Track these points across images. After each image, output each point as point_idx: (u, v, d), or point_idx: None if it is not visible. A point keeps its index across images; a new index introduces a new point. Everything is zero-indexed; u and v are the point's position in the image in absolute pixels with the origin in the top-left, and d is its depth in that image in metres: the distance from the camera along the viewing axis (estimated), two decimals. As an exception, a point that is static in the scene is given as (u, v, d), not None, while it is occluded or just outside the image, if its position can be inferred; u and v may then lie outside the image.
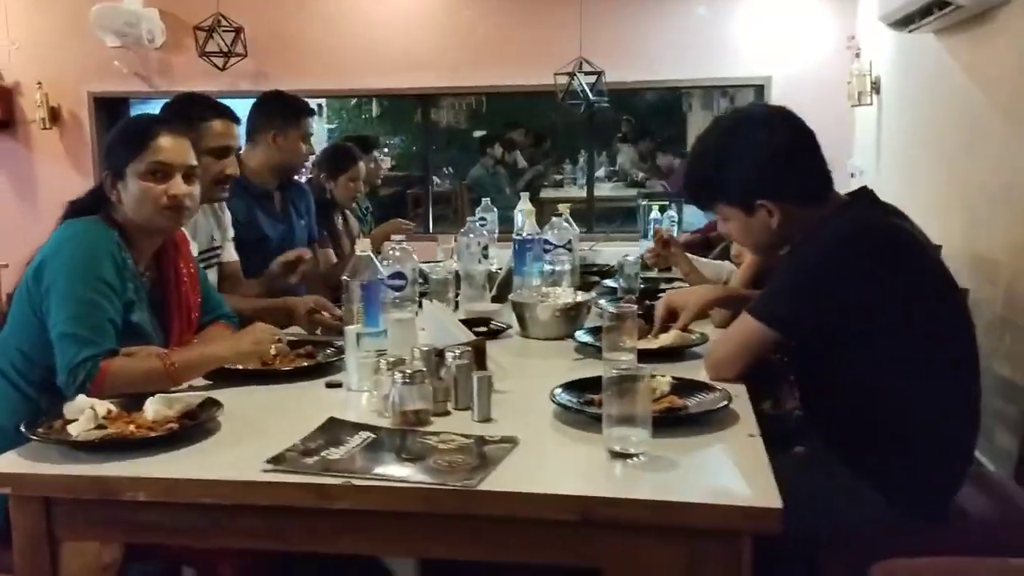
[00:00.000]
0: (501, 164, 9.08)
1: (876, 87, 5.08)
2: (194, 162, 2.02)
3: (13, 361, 1.86)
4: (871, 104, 5.12)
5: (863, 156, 5.40)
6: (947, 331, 1.84)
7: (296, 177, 3.45)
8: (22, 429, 1.56)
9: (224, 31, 5.70)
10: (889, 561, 1.72)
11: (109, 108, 6.38)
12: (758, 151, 1.85)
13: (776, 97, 5.74)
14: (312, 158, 3.78)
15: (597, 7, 5.69)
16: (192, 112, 2.52)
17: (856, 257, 1.78)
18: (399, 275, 2.09)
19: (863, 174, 5.35)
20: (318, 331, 2.40)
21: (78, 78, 6.22)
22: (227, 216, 2.82)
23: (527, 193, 3.50)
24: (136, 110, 6.62)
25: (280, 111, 3.17)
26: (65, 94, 6.26)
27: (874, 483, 1.81)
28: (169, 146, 1.96)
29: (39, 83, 6.15)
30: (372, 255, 1.94)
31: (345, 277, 1.94)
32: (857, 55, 5.29)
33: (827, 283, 1.78)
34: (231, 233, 2.82)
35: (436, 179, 10.45)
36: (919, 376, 1.80)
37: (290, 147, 3.13)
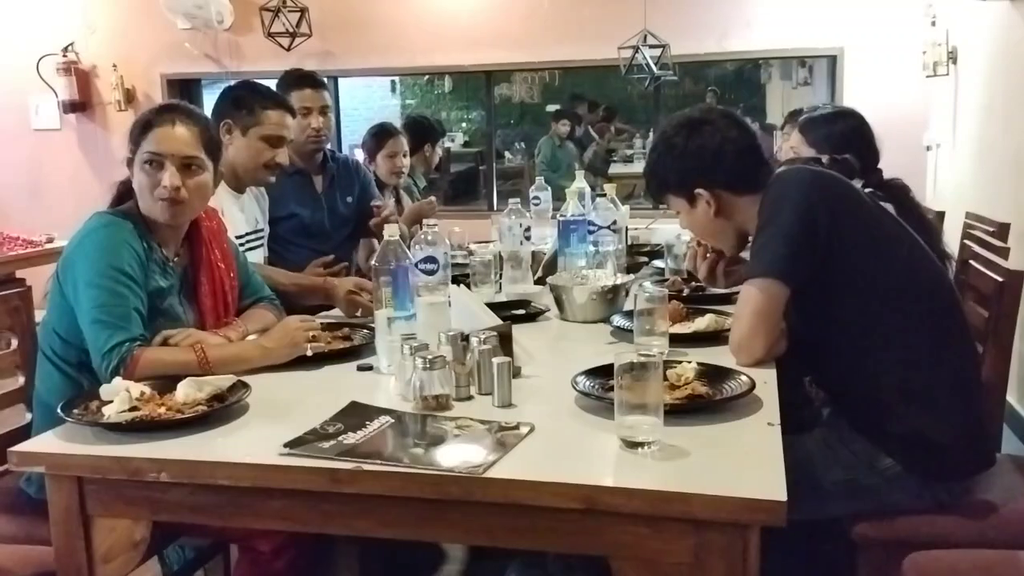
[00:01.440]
0: (569, 139, 9.00)
1: (953, 57, 4.88)
2: (193, 152, 1.98)
3: (52, 344, 1.94)
4: (947, 75, 4.92)
5: (939, 129, 5.20)
6: (927, 285, 1.93)
7: (338, 154, 3.43)
8: (59, 411, 1.63)
9: (289, 11, 5.78)
10: (921, 553, 1.70)
11: (181, 89, 6.54)
12: (694, 143, 2.02)
13: (849, 68, 5.58)
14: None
15: (662, -21, 5.59)
16: (250, 100, 2.63)
17: (821, 191, 1.92)
18: (431, 259, 2.10)
19: (939, 147, 5.17)
20: (357, 312, 2.43)
21: (151, 60, 6.39)
22: (266, 201, 2.90)
23: (583, 171, 3.48)
24: (207, 90, 6.79)
25: (276, 88, 3.09)
26: (139, 76, 6.44)
27: (887, 448, 1.86)
28: (163, 136, 1.96)
29: (114, 65, 6.34)
30: (400, 240, 1.96)
31: (374, 262, 1.96)
32: (933, 24, 5.08)
33: (805, 220, 1.86)
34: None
35: (508, 154, 10.47)
36: (906, 331, 1.88)
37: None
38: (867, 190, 2.68)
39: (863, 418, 1.90)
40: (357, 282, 2.50)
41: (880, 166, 2.81)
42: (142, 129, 1.98)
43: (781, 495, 1.27)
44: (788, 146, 2.96)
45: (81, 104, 6.48)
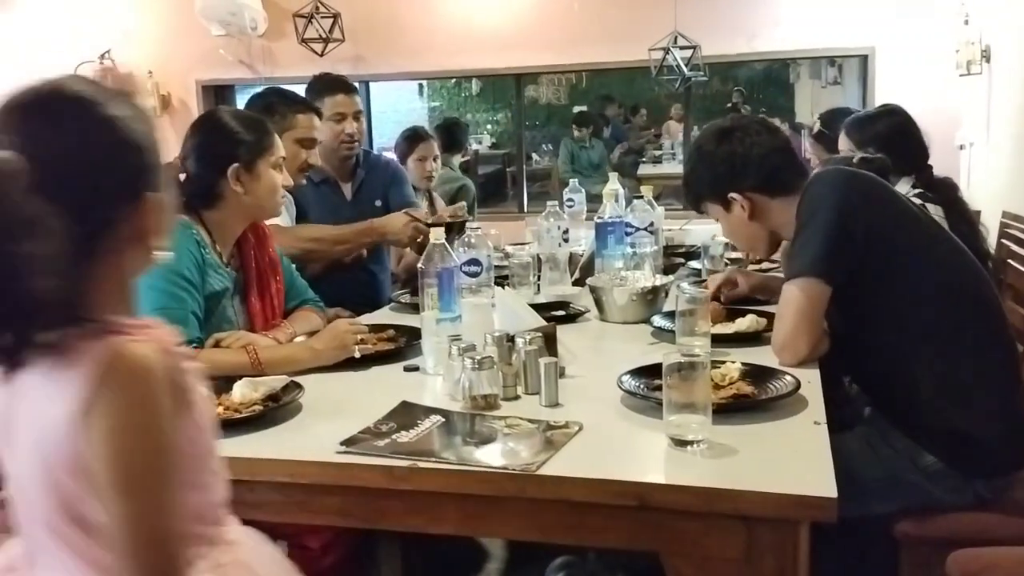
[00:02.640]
0: (595, 138, 9.01)
1: (987, 56, 4.85)
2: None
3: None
4: (980, 73, 4.89)
5: (972, 128, 5.17)
6: (966, 283, 1.95)
7: (369, 153, 3.43)
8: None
9: (322, 17, 5.84)
10: (964, 551, 1.71)
11: (216, 95, 6.62)
12: (724, 149, 2.09)
13: (880, 67, 5.56)
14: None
15: (692, -20, 5.60)
16: (281, 106, 2.69)
17: (858, 190, 1.96)
18: (474, 261, 2.14)
19: (972, 146, 5.14)
20: (420, 238, 2.49)
21: (186, 67, 6.48)
22: (294, 208, 2.99)
23: (616, 173, 3.50)
24: (241, 96, 6.86)
25: (307, 94, 3.12)
26: (174, 82, 6.53)
27: (929, 445, 1.87)
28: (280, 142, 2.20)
29: (150, 72, 6.43)
30: (445, 244, 2.00)
31: (420, 265, 2.00)
32: (966, 22, 5.06)
33: (843, 219, 1.89)
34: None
35: (535, 156, 10.51)
36: (946, 329, 1.90)
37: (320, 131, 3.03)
38: (916, 190, 2.71)
39: (904, 416, 1.92)
40: (408, 211, 2.62)
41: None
42: (268, 136, 2.16)
43: (832, 491, 1.29)
44: (841, 148, 2.97)
45: (118, 110, 6.57)
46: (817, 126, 3.75)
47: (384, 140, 11.12)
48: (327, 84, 3.16)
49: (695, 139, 2.24)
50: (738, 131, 2.11)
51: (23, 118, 1.04)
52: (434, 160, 4.10)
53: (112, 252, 1.07)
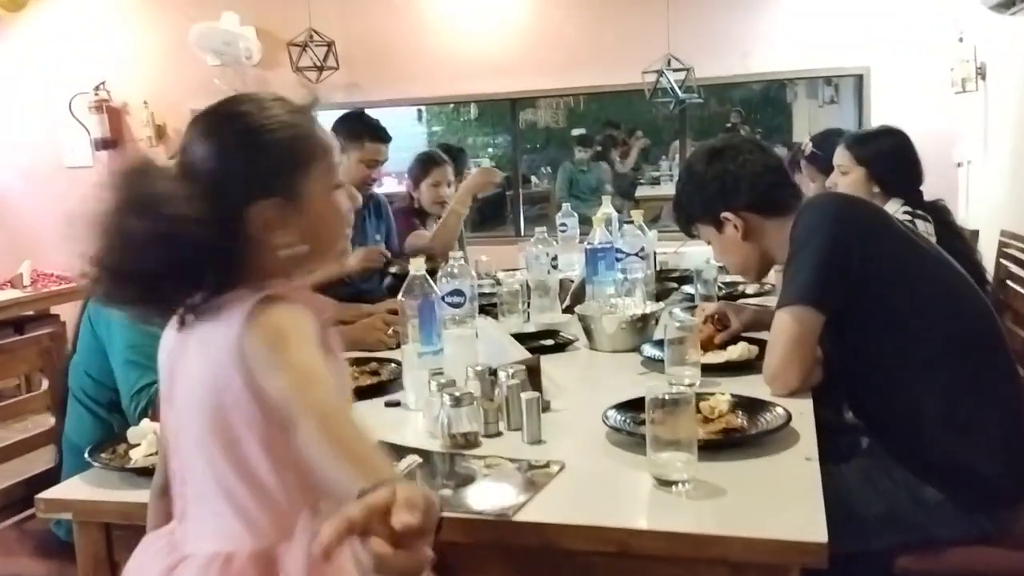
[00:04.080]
0: (596, 161, 8.98)
1: (982, 73, 4.81)
2: None
3: (83, 385, 1.94)
4: (976, 91, 4.85)
5: (969, 145, 5.12)
6: (966, 310, 1.89)
7: (375, 190, 3.48)
8: (86, 455, 1.63)
9: (316, 46, 5.82)
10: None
11: (211, 124, 6.59)
12: (715, 168, 2.05)
13: (876, 86, 5.52)
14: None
15: (685, 3, 5.58)
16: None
17: (853, 215, 1.93)
18: (457, 292, 2.09)
19: (970, 164, 5.09)
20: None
21: (181, 97, 6.44)
22: None
23: (608, 197, 3.46)
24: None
25: (345, 131, 3.21)
26: (170, 112, 6.50)
27: (930, 478, 1.80)
28: None
29: (145, 102, 6.42)
30: (427, 274, 1.94)
31: (401, 297, 1.95)
32: (960, 40, 5.02)
33: (837, 246, 1.84)
34: None
35: (535, 179, 10.48)
36: (946, 358, 1.83)
37: (348, 167, 3.17)
38: (905, 208, 2.66)
39: (903, 447, 1.85)
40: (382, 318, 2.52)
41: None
42: None
43: (822, 536, 1.23)
44: (836, 163, 2.92)
45: (112, 141, 6.55)
46: (809, 148, 3.71)
47: (385, 165, 11.14)
48: (373, 131, 3.30)
49: (685, 160, 2.20)
50: (729, 150, 2.07)
51: (191, 124, 1.25)
52: (448, 185, 3.96)
53: (252, 239, 1.18)
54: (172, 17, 6.28)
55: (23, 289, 5.06)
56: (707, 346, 2.17)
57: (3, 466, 2.19)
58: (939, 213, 2.50)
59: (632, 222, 2.87)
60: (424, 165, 3.96)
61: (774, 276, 2.37)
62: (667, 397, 1.43)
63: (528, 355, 1.93)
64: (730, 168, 2.04)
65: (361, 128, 3.26)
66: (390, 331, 2.04)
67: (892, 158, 2.85)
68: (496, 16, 5.99)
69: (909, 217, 2.60)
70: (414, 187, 3.96)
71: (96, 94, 6.49)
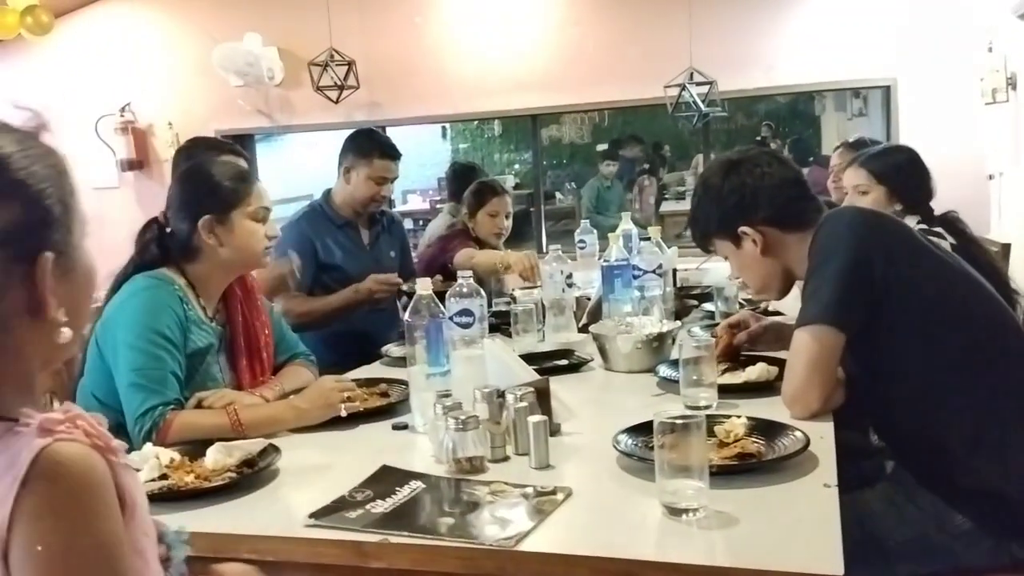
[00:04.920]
0: (619, 178, 8.93)
1: (1012, 83, 4.71)
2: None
3: (90, 407, 1.90)
4: (1007, 101, 4.75)
5: (1001, 157, 5.01)
6: (994, 328, 1.81)
7: (386, 209, 3.47)
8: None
9: (337, 65, 5.82)
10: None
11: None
12: (732, 182, 1.97)
13: (903, 98, 5.42)
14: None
15: (707, 17, 5.52)
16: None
17: (875, 231, 1.84)
18: (466, 312, 2.04)
19: (1002, 176, 4.98)
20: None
21: (205, 117, 6.50)
22: None
23: (628, 213, 3.40)
24: (260, 145, 6.88)
25: (354, 148, 3.26)
26: (194, 133, 6.47)
27: (958, 504, 1.72)
28: (264, 191, 2.09)
29: (170, 123, 6.46)
30: (432, 295, 1.90)
31: (407, 318, 1.90)
32: (990, 50, 4.92)
33: (859, 263, 1.76)
34: None
35: (559, 195, 10.44)
36: (974, 379, 1.75)
37: (357, 184, 3.23)
38: (921, 225, 2.59)
39: (931, 472, 1.78)
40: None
41: (937, 199, 2.74)
42: (244, 186, 2.05)
43: (838, 568, 1.16)
44: (850, 184, 2.87)
45: (138, 162, 6.61)
46: (840, 150, 3.72)
47: (408, 183, 11.18)
48: (382, 148, 3.28)
49: (701, 173, 2.12)
50: (746, 163, 1.99)
51: None
52: (507, 217, 3.77)
53: (2, 331, 0.86)
54: (195, 38, 6.33)
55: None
56: (727, 354, 2.12)
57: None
58: (952, 224, 2.43)
59: (650, 239, 2.81)
60: (480, 196, 3.76)
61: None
62: (677, 421, 1.37)
63: (537, 377, 1.88)
64: (748, 181, 1.96)
65: (370, 145, 3.26)
66: (345, 395, 1.98)
67: (910, 173, 2.81)
68: (517, 32, 5.97)
69: (924, 234, 2.54)
70: (471, 216, 3.76)
71: (121, 116, 6.55)
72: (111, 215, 6.67)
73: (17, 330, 0.87)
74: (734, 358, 2.18)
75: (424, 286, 1.90)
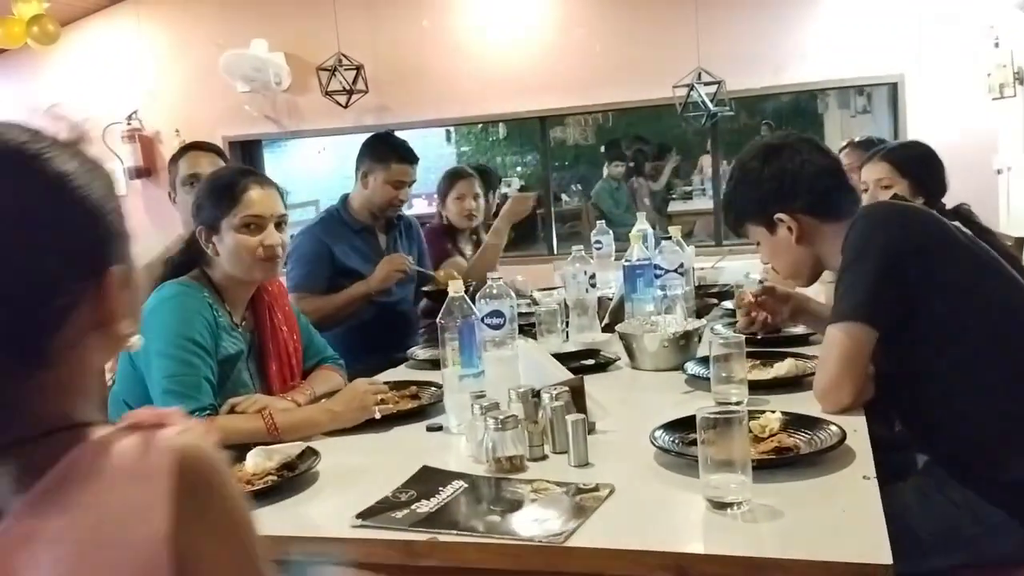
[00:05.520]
0: (627, 178, 8.92)
1: (1020, 78, 4.73)
2: (283, 211, 2.07)
3: (122, 415, 1.93)
4: (1015, 96, 4.77)
5: (1009, 152, 5.03)
6: (1017, 315, 1.80)
7: (403, 213, 3.47)
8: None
9: (345, 69, 5.85)
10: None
11: (243, 151, 6.65)
12: (771, 167, 1.97)
13: (910, 94, 5.44)
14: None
15: (714, 17, 5.54)
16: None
17: (911, 227, 1.83)
18: (497, 313, 2.06)
19: (1011, 170, 5.00)
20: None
21: (212, 124, 6.52)
22: None
23: (643, 213, 3.42)
24: (268, 151, 6.90)
25: (371, 152, 3.27)
26: (201, 139, 6.56)
27: (992, 498, 1.72)
28: (259, 198, 2.02)
29: (177, 131, 6.49)
30: (464, 296, 1.92)
31: (440, 319, 1.92)
32: (996, 45, 4.95)
33: (893, 259, 1.77)
34: None
35: (565, 197, 10.44)
36: (1008, 372, 1.76)
37: (375, 188, 3.23)
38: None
39: (963, 465, 1.79)
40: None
41: (947, 194, 2.78)
42: (230, 194, 2.00)
43: (886, 558, 1.18)
44: (871, 179, 2.89)
45: (146, 170, 6.63)
46: (848, 150, 3.72)
47: (415, 186, 11.16)
48: (399, 153, 3.28)
49: (738, 157, 2.08)
50: (787, 149, 1.98)
51: None
52: (474, 199, 3.85)
53: (72, 347, 0.82)
54: (202, 45, 6.36)
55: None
56: (760, 324, 2.23)
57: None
58: (965, 217, 2.46)
59: (670, 238, 2.83)
60: (449, 179, 3.89)
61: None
62: (719, 416, 1.39)
63: (571, 375, 1.90)
64: (788, 167, 1.95)
65: (387, 149, 3.26)
66: (379, 397, 1.99)
67: (933, 167, 2.83)
68: (523, 34, 6.00)
69: None
70: (441, 203, 3.90)
71: (129, 123, 6.58)
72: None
73: (88, 344, 0.86)
74: (775, 330, 2.23)
75: (456, 287, 1.92)
